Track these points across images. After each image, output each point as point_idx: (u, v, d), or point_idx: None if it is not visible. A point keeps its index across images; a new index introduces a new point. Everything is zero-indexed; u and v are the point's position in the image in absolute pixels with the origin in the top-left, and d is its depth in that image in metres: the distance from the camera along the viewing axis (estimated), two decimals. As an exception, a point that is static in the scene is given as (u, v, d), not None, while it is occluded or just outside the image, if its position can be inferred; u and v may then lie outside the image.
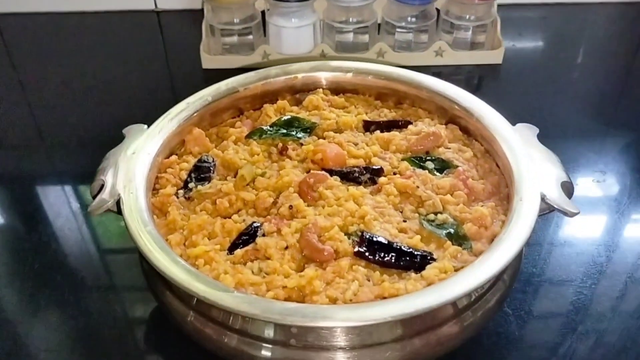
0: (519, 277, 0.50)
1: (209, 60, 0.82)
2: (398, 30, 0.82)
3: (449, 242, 0.45)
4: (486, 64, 0.83)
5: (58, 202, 0.64)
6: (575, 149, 0.70)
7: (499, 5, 0.83)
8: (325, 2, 0.81)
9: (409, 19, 0.81)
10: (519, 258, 0.49)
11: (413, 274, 0.43)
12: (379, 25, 0.84)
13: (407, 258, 0.44)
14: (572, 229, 0.60)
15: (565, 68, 0.85)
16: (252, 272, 0.43)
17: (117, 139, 0.52)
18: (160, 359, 0.51)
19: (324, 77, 0.61)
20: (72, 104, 0.80)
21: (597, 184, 0.65)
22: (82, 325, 0.52)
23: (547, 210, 0.47)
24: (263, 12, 0.84)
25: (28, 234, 0.61)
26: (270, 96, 0.60)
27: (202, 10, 0.88)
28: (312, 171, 0.50)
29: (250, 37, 0.83)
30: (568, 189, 0.47)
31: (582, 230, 0.60)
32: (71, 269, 0.57)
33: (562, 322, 0.52)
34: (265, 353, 0.41)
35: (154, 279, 0.46)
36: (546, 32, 0.94)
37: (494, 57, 0.83)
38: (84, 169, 0.55)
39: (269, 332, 0.40)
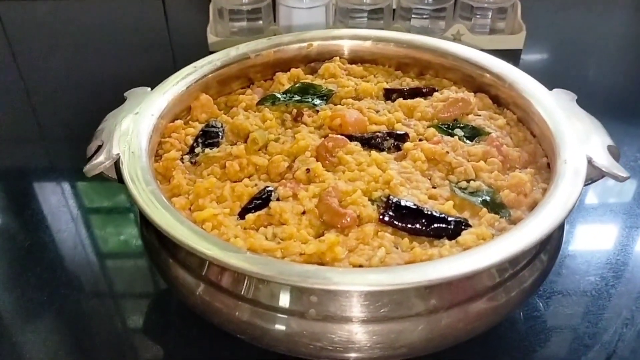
0: (560, 253, 0.45)
1: (217, 43, 0.78)
2: (414, 15, 0.79)
3: (484, 210, 0.41)
4: (507, 50, 0.79)
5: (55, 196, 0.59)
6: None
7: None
8: (339, -17, 0.78)
9: (426, 0, 0.77)
10: (560, 231, 0.44)
11: (447, 241, 0.38)
12: (394, 10, 0.81)
13: (440, 224, 0.39)
14: (610, 207, 0.56)
15: (595, 55, 0.81)
16: (266, 237, 0.39)
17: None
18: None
19: (341, 45, 0.56)
20: (73, 90, 0.76)
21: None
22: (79, 328, 0.47)
23: (592, 180, 0.42)
24: None
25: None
26: (283, 65, 0.56)
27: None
28: (330, 135, 0.46)
29: (260, 22, 0.80)
30: (614, 153, 0.42)
31: (623, 210, 0.55)
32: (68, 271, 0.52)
33: (604, 307, 0.47)
34: (280, 326, 0.36)
35: (158, 250, 0.41)
36: (571, 18, 0.90)
37: (515, 42, 0.79)
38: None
39: (285, 300, 0.35)
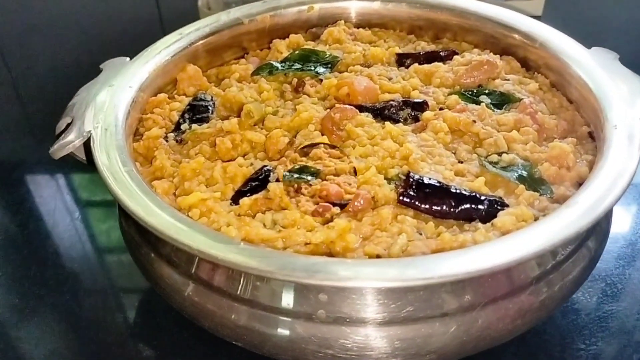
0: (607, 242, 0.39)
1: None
2: None
3: (521, 187, 0.35)
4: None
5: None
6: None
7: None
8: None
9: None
10: (608, 216, 0.38)
11: (481, 225, 0.32)
12: None
13: (470, 204, 0.33)
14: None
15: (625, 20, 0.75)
16: (264, 225, 0.33)
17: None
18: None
19: (346, 7, 0.50)
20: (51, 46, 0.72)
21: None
22: (76, 325, 0.41)
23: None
24: None
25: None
26: (281, 31, 0.50)
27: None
28: (337, 105, 0.40)
29: None
30: (672, 119, 0.36)
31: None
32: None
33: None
34: (283, 331, 0.30)
35: (138, 244, 0.35)
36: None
37: (533, 7, 0.73)
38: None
39: (289, 300, 0.29)
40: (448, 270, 0.27)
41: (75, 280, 0.45)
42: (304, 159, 0.48)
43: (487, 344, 0.32)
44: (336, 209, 0.38)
